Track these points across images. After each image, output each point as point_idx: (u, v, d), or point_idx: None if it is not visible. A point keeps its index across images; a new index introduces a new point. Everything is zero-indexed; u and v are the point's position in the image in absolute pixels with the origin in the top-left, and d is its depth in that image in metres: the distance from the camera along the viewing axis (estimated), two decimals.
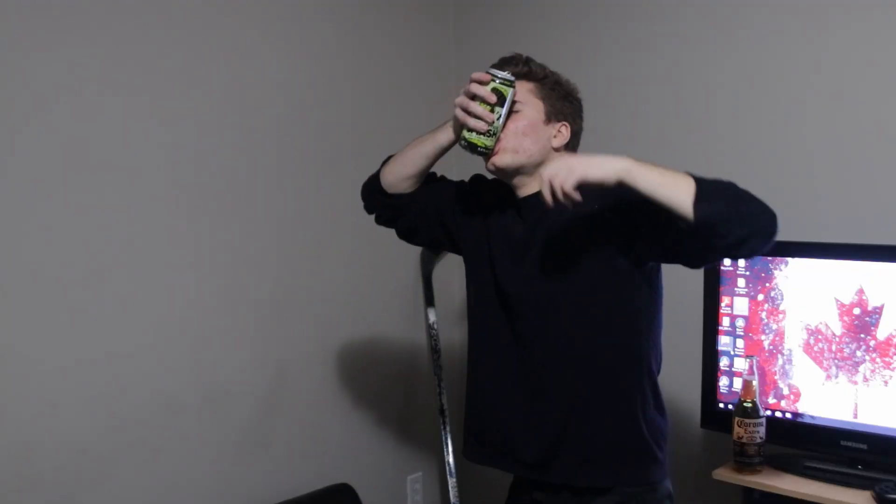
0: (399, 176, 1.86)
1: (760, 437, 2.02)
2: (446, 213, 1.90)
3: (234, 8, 2.34)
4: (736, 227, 1.51)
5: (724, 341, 2.20)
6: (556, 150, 1.76)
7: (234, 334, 2.37)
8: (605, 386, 1.74)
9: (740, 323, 2.17)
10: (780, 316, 2.12)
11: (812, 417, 2.08)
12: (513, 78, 1.68)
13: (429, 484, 2.96)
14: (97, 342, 2.09)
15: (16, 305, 1.95)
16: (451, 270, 2.91)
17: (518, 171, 1.74)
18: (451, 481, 2.86)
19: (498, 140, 1.70)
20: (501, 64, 1.75)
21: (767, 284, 2.13)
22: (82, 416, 2.06)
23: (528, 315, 1.76)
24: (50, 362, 2.01)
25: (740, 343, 2.17)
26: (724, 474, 2.07)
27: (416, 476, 2.92)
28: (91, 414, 2.08)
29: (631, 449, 1.75)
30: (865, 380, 2.00)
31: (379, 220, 1.96)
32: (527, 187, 1.77)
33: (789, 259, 2.10)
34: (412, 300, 2.90)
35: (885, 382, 1.98)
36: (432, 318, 2.90)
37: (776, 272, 2.12)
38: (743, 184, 2.36)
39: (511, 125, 1.71)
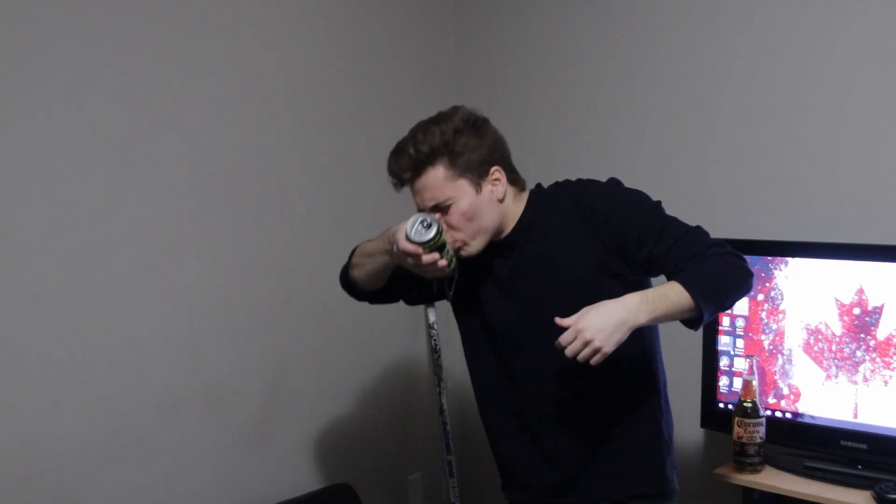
0: (366, 285, 1.87)
1: (760, 437, 2.02)
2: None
3: (234, 9, 2.34)
4: (726, 308, 1.75)
5: (724, 341, 2.20)
6: (501, 200, 1.71)
7: (234, 334, 2.37)
8: (621, 408, 1.77)
9: (740, 323, 2.17)
10: (780, 316, 2.12)
11: (812, 417, 2.08)
12: (437, 227, 1.62)
13: (429, 484, 2.95)
14: (97, 342, 2.09)
15: (16, 305, 1.95)
16: None
17: (490, 242, 1.73)
18: (451, 481, 2.86)
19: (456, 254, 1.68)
20: (392, 161, 1.68)
21: (767, 284, 2.13)
22: (82, 416, 2.06)
23: (530, 350, 1.74)
24: (50, 362, 2.01)
25: (740, 343, 2.17)
26: (724, 474, 2.07)
27: (416, 476, 2.92)
28: (91, 414, 2.08)
29: (649, 460, 1.80)
30: (865, 380, 2.00)
31: (371, 303, 1.97)
32: (502, 234, 1.75)
33: (789, 259, 2.10)
34: None
35: (885, 382, 1.97)
36: (432, 318, 2.90)
37: (776, 272, 2.12)
38: (744, 184, 2.37)
39: (454, 220, 1.67)
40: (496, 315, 1.78)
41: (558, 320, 1.53)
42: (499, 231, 1.74)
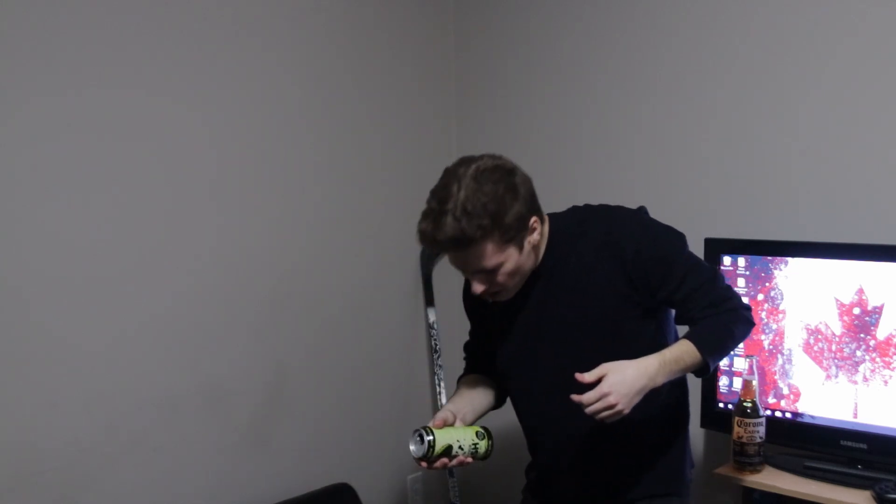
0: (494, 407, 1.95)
1: (760, 437, 2.02)
2: (486, 329, 1.91)
3: (234, 9, 2.34)
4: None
5: None
6: (536, 245, 1.71)
7: (234, 334, 2.37)
8: (655, 423, 1.81)
9: None
10: (780, 316, 2.12)
11: (812, 417, 2.08)
12: (428, 440, 1.65)
13: (429, 484, 2.95)
14: (97, 341, 2.08)
15: (15, 305, 1.95)
16: (452, 270, 2.89)
17: None
18: (451, 481, 2.87)
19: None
20: (431, 230, 1.59)
21: (767, 284, 2.13)
22: (82, 416, 2.06)
23: (560, 382, 1.68)
24: (50, 362, 2.00)
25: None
26: (724, 474, 2.07)
27: (416, 476, 2.92)
28: (91, 414, 2.08)
29: (672, 463, 1.88)
30: (865, 380, 2.00)
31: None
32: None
33: (789, 259, 2.10)
34: (412, 300, 2.90)
35: (885, 382, 1.97)
36: (432, 318, 2.90)
37: (776, 272, 2.12)
38: (744, 184, 2.37)
39: (500, 279, 1.66)
40: (525, 348, 1.81)
41: (579, 376, 1.57)
42: None
